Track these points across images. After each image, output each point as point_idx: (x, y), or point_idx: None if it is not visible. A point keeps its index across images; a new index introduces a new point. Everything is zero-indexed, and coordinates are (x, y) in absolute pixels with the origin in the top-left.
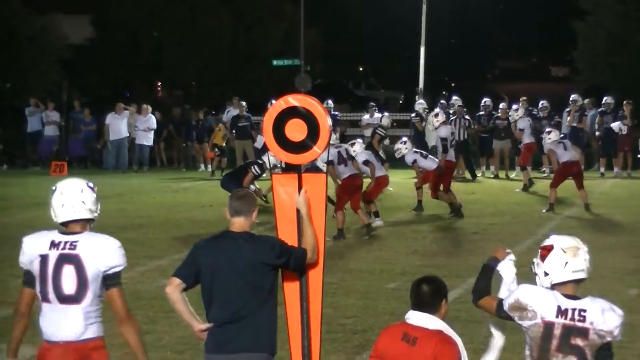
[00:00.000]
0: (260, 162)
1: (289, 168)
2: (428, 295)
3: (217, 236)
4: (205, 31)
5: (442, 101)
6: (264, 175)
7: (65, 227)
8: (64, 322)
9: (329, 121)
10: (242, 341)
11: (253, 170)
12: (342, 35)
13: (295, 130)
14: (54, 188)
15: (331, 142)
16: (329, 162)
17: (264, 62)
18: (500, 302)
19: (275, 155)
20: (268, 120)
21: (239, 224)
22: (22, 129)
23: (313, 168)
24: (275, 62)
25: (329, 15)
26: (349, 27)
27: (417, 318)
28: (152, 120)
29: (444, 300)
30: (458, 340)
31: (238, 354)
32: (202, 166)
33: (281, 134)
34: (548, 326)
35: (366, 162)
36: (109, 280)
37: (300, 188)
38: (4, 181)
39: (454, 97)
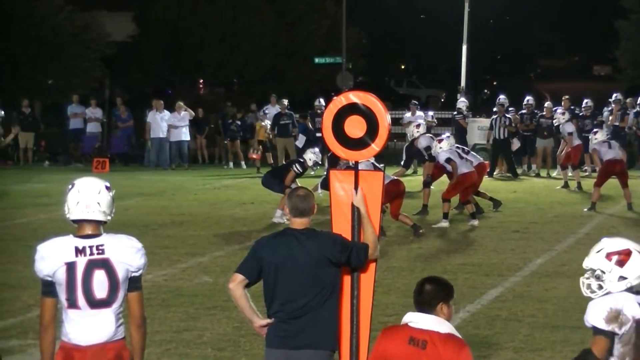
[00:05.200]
0: (301, 160)
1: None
2: (428, 294)
3: (278, 233)
4: (247, 29)
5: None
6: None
7: (77, 226)
8: (96, 326)
9: (389, 119)
10: (305, 337)
11: (295, 169)
12: (384, 33)
13: (355, 126)
14: (71, 184)
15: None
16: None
17: (306, 60)
18: (604, 337)
19: (332, 151)
20: (328, 115)
21: (301, 222)
22: (64, 125)
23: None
24: (317, 60)
25: (370, 13)
26: (390, 25)
27: (424, 321)
28: (186, 118)
29: (444, 304)
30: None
31: (300, 350)
32: (231, 164)
33: (340, 130)
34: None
35: (448, 160)
36: (133, 282)
37: (357, 185)
38: (46, 178)
39: (502, 97)
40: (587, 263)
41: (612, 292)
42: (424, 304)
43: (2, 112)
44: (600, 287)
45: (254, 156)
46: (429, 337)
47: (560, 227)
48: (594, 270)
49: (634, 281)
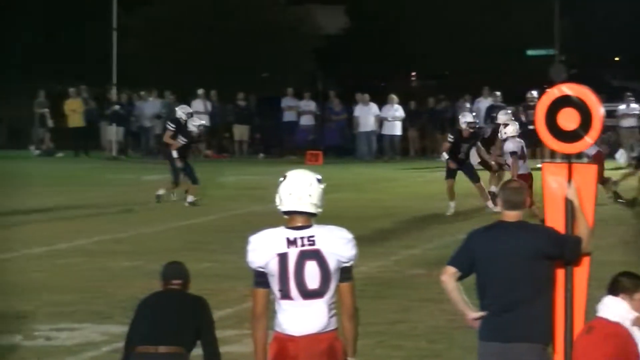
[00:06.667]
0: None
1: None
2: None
3: (491, 226)
4: (458, 21)
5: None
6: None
7: (288, 218)
8: (309, 317)
9: (603, 112)
10: (517, 330)
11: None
12: (597, 23)
13: (568, 119)
14: (283, 176)
15: (515, 134)
16: (513, 153)
17: (518, 52)
18: None
19: (545, 144)
20: (541, 108)
21: (513, 215)
22: (278, 118)
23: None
24: (529, 52)
25: (583, 3)
26: (604, 15)
27: (603, 309)
28: (400, 110)
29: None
30: (637, 335)
31: (512, 343)
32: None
33: (553, 123)
34: None
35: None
36: (345, 273)
37: (570, 178)
38: (261, 170)
39: None
40: None
41: None
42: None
43: (204, 122)
44: None
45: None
46: (597, 323)
47: None
48: None
49: None
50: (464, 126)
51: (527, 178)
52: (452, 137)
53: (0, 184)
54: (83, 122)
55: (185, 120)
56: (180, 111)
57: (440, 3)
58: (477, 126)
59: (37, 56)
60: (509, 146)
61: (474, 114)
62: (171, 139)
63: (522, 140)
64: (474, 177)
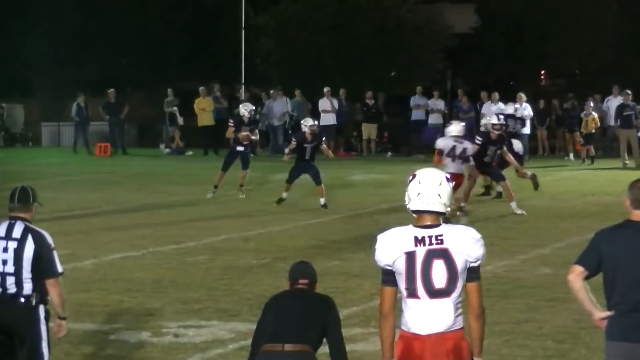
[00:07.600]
0: None
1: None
2: None
3: (619, 225)
4: (590, 19)
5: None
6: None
7: (417, 216)
8: (435, 316)
9: None
10: None
11: None
12: None
13: None
14: (412, 175)
15: (456, 134)
16: (440, 151)
17: None
18: None
19: None
20: None
21: None
22: (407, 117)
23: None
24: None
25: None
26: None
27: None
28: (528, 109)
29: None
30: None
31: None
32: (571, 156)
33: None
34: None
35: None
36: (472, 272)
37: None
38: (389, 168)
39: None
40: None
41: None
42: None
43: (316, 122)
44: None
45: (578, 147)
46: None
47: None
48: None
49: None
50: (489, 128)
51: (457, 178)
52: (480, 139)
53: (130, 182)
54: (212, 120)
55: (249, 117)
56: (242, 108)
57: (571, 1)
58: (505, 128)
59: (167, 55)
60: (438, 143)
61: (501, 115)
62: (232, 134)
63: (463, 142)
64: (499, 177)
